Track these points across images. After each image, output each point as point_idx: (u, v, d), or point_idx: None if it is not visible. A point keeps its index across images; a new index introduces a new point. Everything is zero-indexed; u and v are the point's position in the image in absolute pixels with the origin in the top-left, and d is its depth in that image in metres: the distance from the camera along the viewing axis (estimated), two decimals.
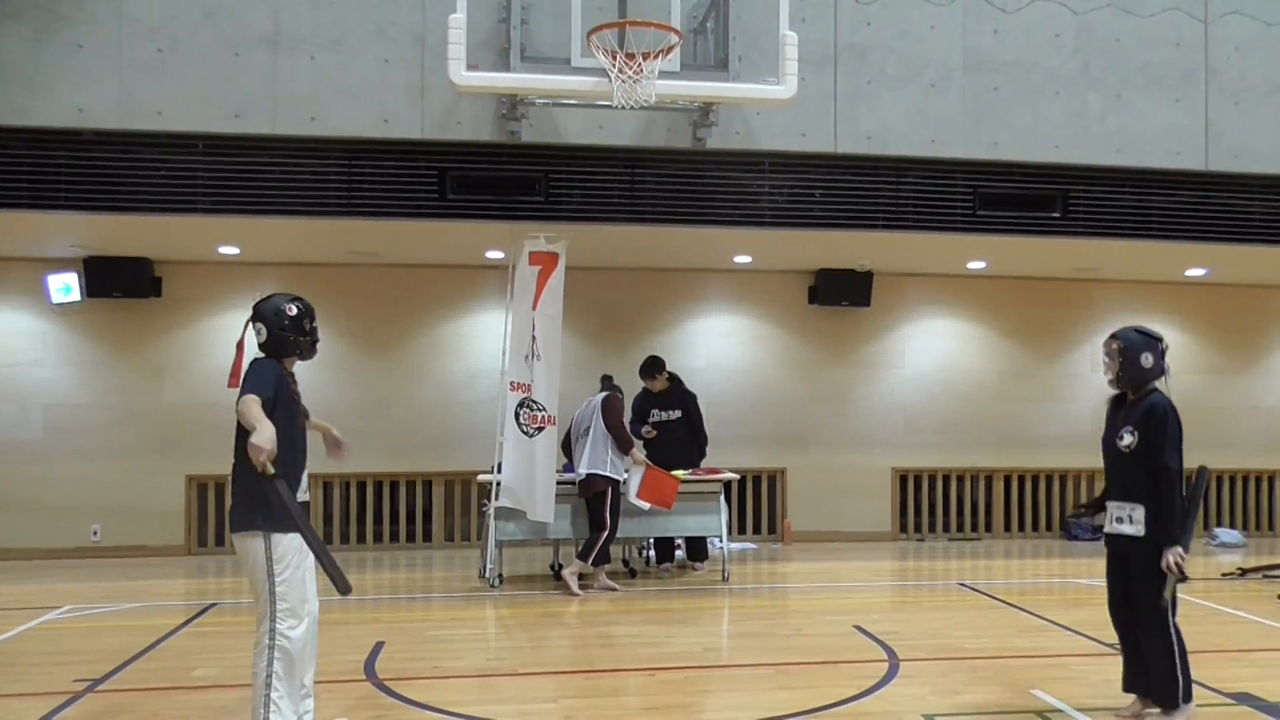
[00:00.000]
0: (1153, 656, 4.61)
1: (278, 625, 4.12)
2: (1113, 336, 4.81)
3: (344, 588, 3.95)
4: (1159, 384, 4.77)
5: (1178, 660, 4.56)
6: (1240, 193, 9.07)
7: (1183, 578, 4.50)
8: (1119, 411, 4.84)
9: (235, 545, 4.21)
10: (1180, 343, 11.40)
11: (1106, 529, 4.77)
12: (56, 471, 9.95)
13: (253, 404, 4.00)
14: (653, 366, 8.95)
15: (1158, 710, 4.68)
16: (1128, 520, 4.65)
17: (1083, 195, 8.93)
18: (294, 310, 4.29)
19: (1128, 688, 4.83)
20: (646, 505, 8.09)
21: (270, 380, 4.13)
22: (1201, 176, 9.01)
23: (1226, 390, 11.33)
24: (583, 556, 7.95)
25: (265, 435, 3.88)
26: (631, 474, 8.09)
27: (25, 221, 8.35)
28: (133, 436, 10.11)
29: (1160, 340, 4.78)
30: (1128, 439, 4.67)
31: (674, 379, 9.08)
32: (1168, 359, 4.78)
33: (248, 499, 4.12)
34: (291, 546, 4.13)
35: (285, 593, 4.13)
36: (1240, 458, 11.40)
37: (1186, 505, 4.56)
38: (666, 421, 8.83)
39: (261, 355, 4.30)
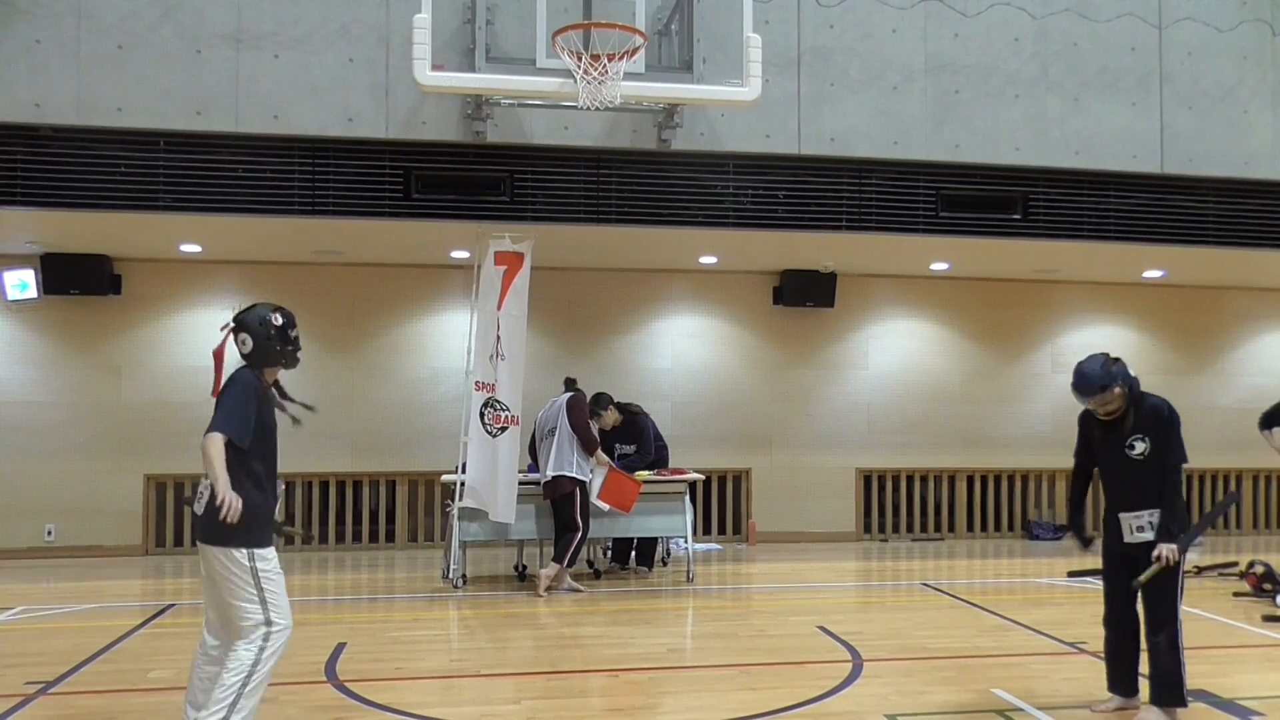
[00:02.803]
0: (1159, 654, 4.65)
1: (273, 633, 4.10)
2: (1102, 388, 4.63)
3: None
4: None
5: (1181, 658, 4.62)
6: (1195, 195, 9.25)
7: (1164, 569, 4.63)
8: (1114, 426, 4.77)
9: (210, 557, 4.10)
10: (1138, 343, 11.60)
11: (1126, 539, 4.72)
12: (9, 471, 9.79)
13: (217, 448, 3.96)
14: (596, 404, 8.50)
15: (1140, 707, 4.76)
16: (1149, 527, 4.66)
17: (1042, 197, 9.06)
18: (279, 320, 4.22)
19: (1113, 688, 4.89)
20: (606, 507, 8.09)
21: (245, 412, 4.07)
22: (1157, 179, 9.17)
23: (1183, 391, 11.49)
24: (558, 559, 7.92)
25: (225, 488, 3.90)
26: (595, 474, 8.08)
27: None
28: (89, 435, 9.97)
29: (1118, 359, 4.75)
30: (1140, 446, 4.67)
31: (627, 409, 8.82)
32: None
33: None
34: (273, 558, 4.15)
35: (276, 602, 4.12)
36: (1196, 458, 11.19)
37: (1203, 520, 4.63)
38: (628, 455, 8.65)
39: (244, 365, 4.22)
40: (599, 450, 8.07)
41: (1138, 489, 4.71)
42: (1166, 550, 4.57)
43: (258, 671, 4.07)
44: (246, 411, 4.06)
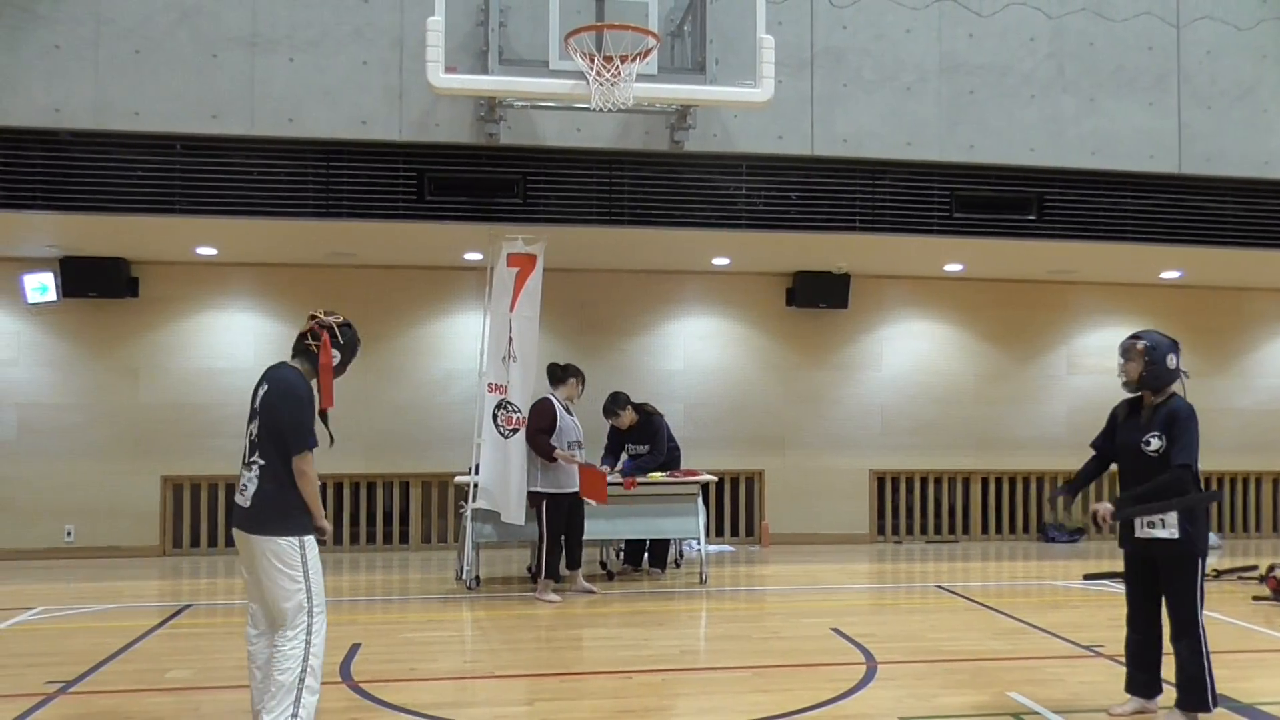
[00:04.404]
0: (1182, 660, 4.63)
1: (314, 622, 4.24)
2: (1134, 336, 4.79)
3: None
4: (1176, 387, 4.80)
5: (1205, 663, 4.60)
6: (1213, 195, 9.17)
7: (1067, 515, 4.79)
8: (1135, 416, 4.80)
9: (258, 548, 4.21)
10: None
11: (1136, 534, 4.74)
12: (29, 472, 9.87)
13: (313, 473, 4.22)
14: (613, 404, 8.58)
15: (1160, 710, 4.75)
16: (1160, 524, 4.65)
17: (1058, 198, 9.00)
18: (359, 351, 4.52)
19: (1131, 689, 4.88)
20: (593, 502, 7.86)
21: (312, 423, 4.29)
22: (1175, 179, 9.10)
23: (1201, 392, 11.23)
24: (537, 572, 7.90)
25: (329, 527, 4.37)
26: (568, 475, 7.82)
27: (0, 221, 8.28)
28: (107, 437, 10.04)
29: (1178, 344, 4.79)
30: (1155, 444, 4.67)
31: (642, 410, 8.75)
32: (1182, 363, 4.79)
33: (286, 504, 4.21)
34: (315, 547, 4.31)
35: (318, 590, 4.27)
36: (1215, 460, 11.36)
37: (1160, 502, 4.62)
38: (640, 455, 8.63)
39: (293, 367, 4.37)
40: (558, 452, 7.73)
41: (1158, 485, 4.67)
42: (1103, 511, 4.69)
43: (311, 662, 4.20)
44: (312, 421, 4.28)
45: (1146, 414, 4.77)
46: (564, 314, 10.40)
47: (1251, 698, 5.12)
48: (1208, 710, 4.63)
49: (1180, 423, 4.66)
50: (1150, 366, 4.71)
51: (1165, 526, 4.65)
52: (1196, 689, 4.61)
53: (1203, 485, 4.77)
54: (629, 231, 8.67)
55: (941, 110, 8.76)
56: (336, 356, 4.36)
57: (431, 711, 4.95)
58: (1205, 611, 4.68)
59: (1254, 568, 8.86)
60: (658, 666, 5.86)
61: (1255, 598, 7.89)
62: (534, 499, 7.80)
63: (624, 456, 8.74)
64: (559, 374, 8.10)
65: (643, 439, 8.68)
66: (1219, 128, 9.12)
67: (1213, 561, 9.57)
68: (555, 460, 7.71)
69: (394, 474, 10.53)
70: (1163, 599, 4.75)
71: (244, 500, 4.28)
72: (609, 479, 8.30)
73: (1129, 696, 4.88)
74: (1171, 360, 4.72)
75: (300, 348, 4.39)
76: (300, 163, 8.10)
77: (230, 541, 10.11)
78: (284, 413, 4.21)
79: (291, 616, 4.20)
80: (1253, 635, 6.72)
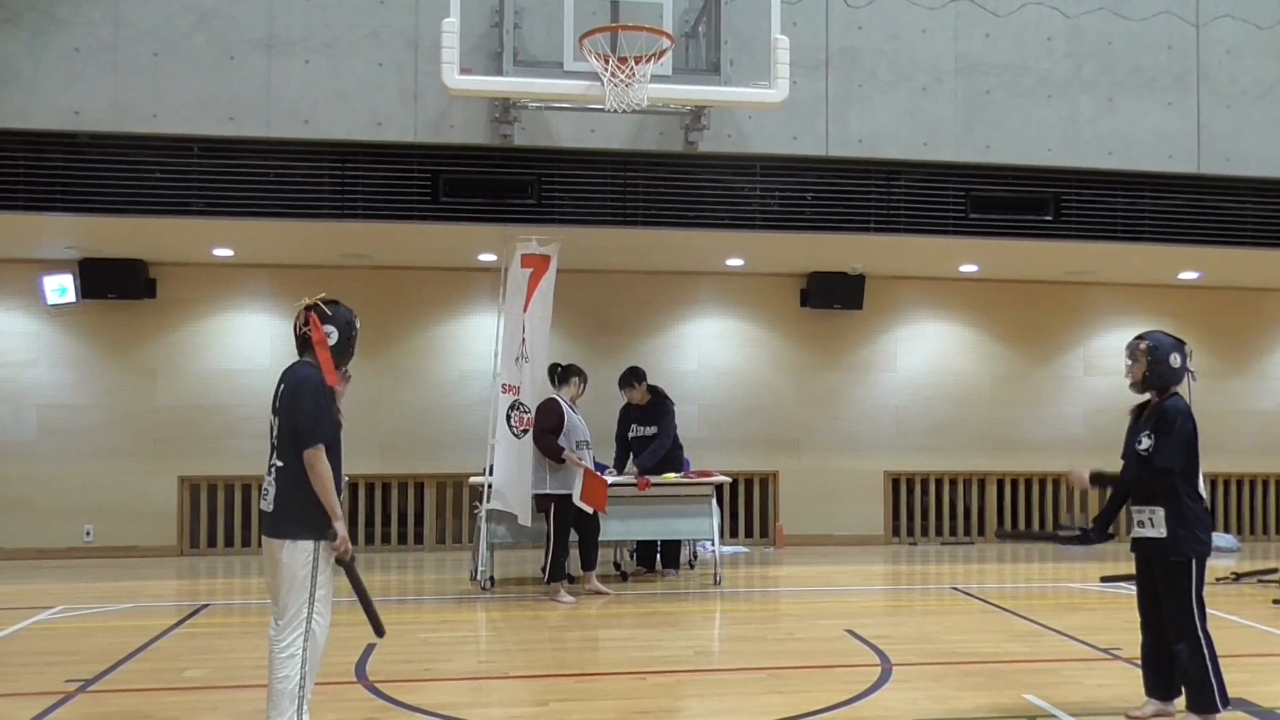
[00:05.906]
0: (1183, 662, 4.62)
1: (313, 627, 4.20)
2: (1139, 337, 4.81)
3: (379, 631, 4.34)
4: (1180, 388, 4.78)
5: (1209, 664, 4.57)
6: (1232, 196, 9.10)
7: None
8: (1140, 418, 4.83)
9: (278, 551, 4.18)
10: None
11: (1131, 534, 4.75)
12: (49, 472, 9.95)
13: (325, 466, 4.14)
14: (630, 376, 8.69)
15: (1178, 713, 4.73)
16: (1149, 523, 4.66)
17: (1075, 198, 8.95)
18: (357, 326, 4.44)
19: (1150, 692, 4.86)
20: (589, 509, 7.73)
21: (329, 414, 4.23)
22: (1193, 180, 9.04)
23: (1219, 394, 11.34)
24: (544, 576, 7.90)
25: (344, 530, 4.18)
26: (575, 476, 7.78)
27: (21, 223, 8.37)
28: (126, 437, 10.11)
29: (1185, 344, 4.78)
30: (1145, 442, 4.68)
31: (655, 391, 8.81)
32: (1191, 363, 4.78)
33: (303, 506, 4.16)
34: (329, 552, 4.25)
35: (324, 596, 4.24)
36: (1234, 462, 11.42)
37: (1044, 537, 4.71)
38: (645, 437, 8.63)
39: (304, 361, 4.33)
40: (566, 453, 7.67)
41: (1143, 484, 4.71)
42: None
43: (306, 668, 4.19)
44: (328, 413, 4.21)
45: (1146, 415, 4.79)
46: (578, 315, 10.41)
47: (1271, 701, 5.07)
48: (1217, 711, 4.60)
49: (1167, 422, 4.64)
50: (1153, 366, 4.71)
51: (1153, 526, 4.65)
52: (1203, 690, 4.59)
53: (1203, 486, 4.74)
54: (643, 232, 8.68)
55: (957, 110, 8.72)
56: (332, 333, 4.29)
57: (446, 712, 4.97)
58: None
59: (1274, 570, 8.79)
60: (672, 668, 5.85)
61: (1275, 600, 7.81)
62: (544, 501, 7.79)
63: (631, 461, 8.72)
64: (562, 375, 8.08)
65: (651, 420, 8.67)
66: (1239, 127, 9.05)
67: (1231, 564, 9.55)
68: (563, 461, 7.67)
69: (408, 475, 10.56)
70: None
71: (266, 504, 4.27)
72: (620, 480, 8.32)
73: (1147, 699, 4.86)
74: (1175, 359, 4.71)
75: (300, 340, 4.35)
76: (316, 164, 8.14)
77: (247, 542, 10.27)
78: (295, 407, 4.17)
79: (291, 619, 4.16)
80: (1272, 638, 6.65)
